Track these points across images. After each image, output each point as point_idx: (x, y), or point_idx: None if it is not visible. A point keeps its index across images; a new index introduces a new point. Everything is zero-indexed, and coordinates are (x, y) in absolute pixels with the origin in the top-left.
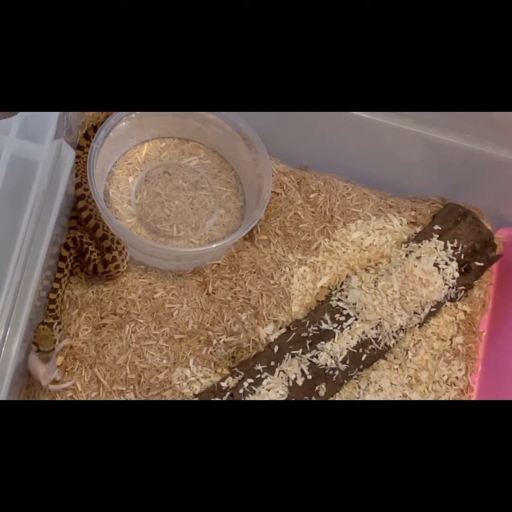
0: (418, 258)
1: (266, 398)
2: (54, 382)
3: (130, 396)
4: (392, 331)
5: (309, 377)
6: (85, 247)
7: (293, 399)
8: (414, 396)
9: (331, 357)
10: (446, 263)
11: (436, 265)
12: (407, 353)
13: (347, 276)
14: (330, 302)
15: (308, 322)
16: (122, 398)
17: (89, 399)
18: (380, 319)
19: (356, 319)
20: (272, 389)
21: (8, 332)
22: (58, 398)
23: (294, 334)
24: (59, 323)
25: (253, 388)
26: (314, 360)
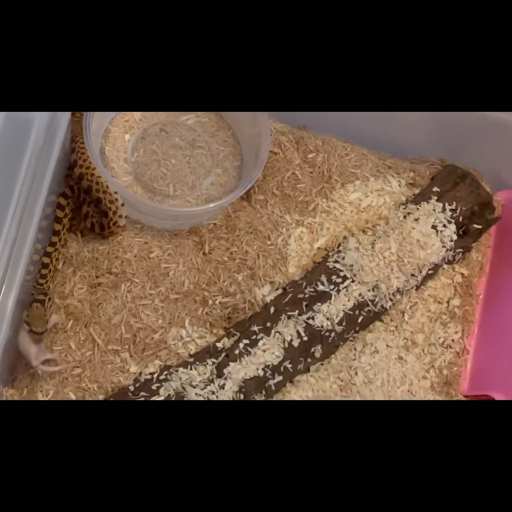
0: (416, 220)
1: (262, 360)
2: (45, 362)
3: (125, 356)
4: (389, 293)
5: (305, 338)
6: (82, 197)
7: (289, 361)
8: (410, 359)
9: (328, 319)
10: (444, 225)
11: (434, 227)
12: (403, 315)
13: (345, 238)
14: (327, 264)
15: (304, 283)
16: (117, 358)
17: (83, 358)
18: (377, 281)
19: (352, 281)
20: (268, 350)
21: (2, 292)
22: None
23: (290, 295)
24: (50, 299)
25: (249, 349)
26: (310, 321)
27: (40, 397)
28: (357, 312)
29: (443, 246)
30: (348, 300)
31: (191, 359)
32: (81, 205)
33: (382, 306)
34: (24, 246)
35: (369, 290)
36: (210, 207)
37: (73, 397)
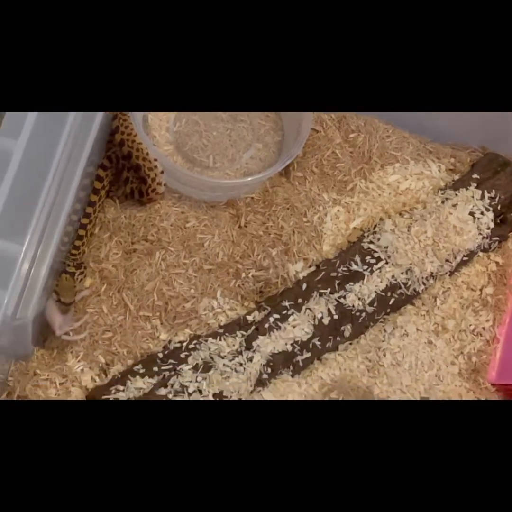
0: (454, 205)
1: (291, 335)
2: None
3: (156, 323)
4: (422, 277)
5: (336, 317)
6: (121, 163)
7: (318, 338)
8: (439, 344)
9: (359, 299)
10: (482, 213)
11: (471, 214)
12: (435, 300)
13: (381, 219)
14: (362, 244)
15: (338, 262)
16: (148, 324)
17: (114, 322)
18: (411, 264)
19: (386, 263)
20: (298, 326)
21: (36, 258)
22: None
23: (323, 273)
24: (82, 273)
25: (279, 323)
26: (342, 300)
27: (70, 358)
28: (389, 294)
29: (480, 234)
30: (381, 281)
31: (221, 330)
32: (121, 171)
33: (414, 290)
34: (60, 215)
35: (402, 273)
36: (248, 181)
37: (102, 360)
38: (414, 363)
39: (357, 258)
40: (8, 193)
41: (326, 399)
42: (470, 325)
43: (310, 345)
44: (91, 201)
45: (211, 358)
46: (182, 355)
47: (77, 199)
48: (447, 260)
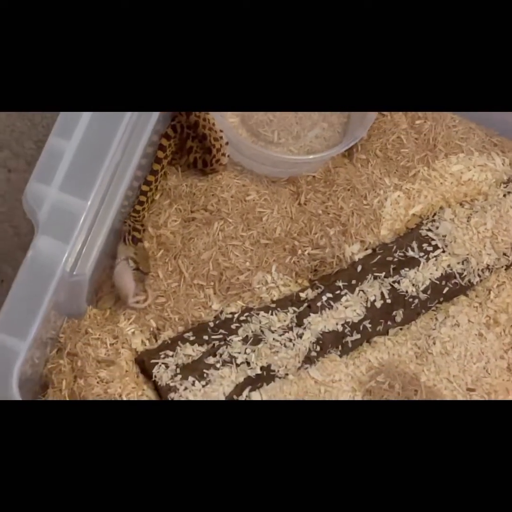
0: None
1: (342, 315)
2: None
3: (209, 292)
4: (478, 269)
5: (388, 301)
6: (186, 132)
7: (369, 320)
8: (490, 337)
9: (413, 285)
10: None
11: None
12: (489, 293)
13: (441, 208)
14: (420, 231)
15: (395, 247)
16: (201, 293)
17: (168, 288)
18: (468, 254)
19: (443, 251)
20: (350, 307)
21: (100, 212)
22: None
23: (379, 256)
24: (142, 239)
25: (331, 303)
26: (396, 285)
27: (122, 320)
28: (443, 282)
29: None
30: (436, 270)
31: (273, 305)
32: (185, 141)
33: (469, 281)
34: (122, 180)
35: (458, 263)
36: (311, 159)
37: (153, 324)
38: (463, 354)
39: (414, 244)
40: (75, 152)
41: (372, 382)
42: None
43: (361, 327)
44: (153, 169)
45: (262, 331)
46: (233, 326)
47: (139, 167)
48: (504, 254)
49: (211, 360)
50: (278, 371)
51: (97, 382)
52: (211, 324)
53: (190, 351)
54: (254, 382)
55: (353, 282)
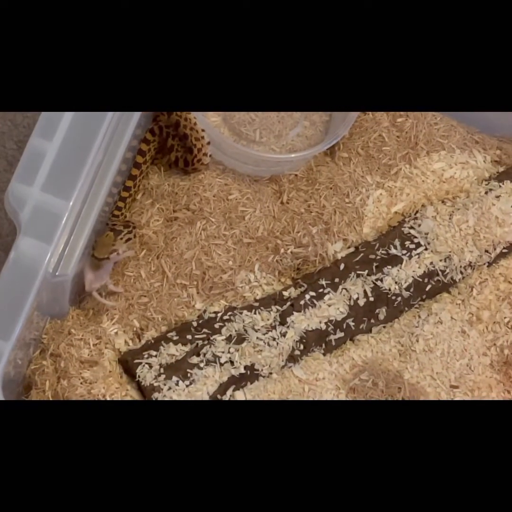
0: (498, 197)
1: (326, 314)
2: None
3: (192, 292)
4: (461, 266)
5: (371, 299)
6: (166, 132)
7: (352, 318)
8: (473, 334)
9: (396, 283)
10: None
11: None
12: (472, 290)
13: (423, 206)
14: (402, 229)
15: (377, 245)
16: (184, 292)
17: (151, 288)
18: (450, 252)
19: (426, 249)
20: (333, 305)
21: (82, 212)
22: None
23: (362, 255)
24: (130, 232)
25: (314, 301)
26: (378, 283)
27: (105, 320)
28: (426, 280)
29: None
30: (419, 267)
31: (256, 304)
32: (166, 139)
33: (452, 278)
34: (104, 180)
35: (441, 260)
36: (293, 157)
37: (137, 324)
38: (446, 351)
39: (397, 242)
40: (57, 153)
41: (356, 380)
42: (505, 317)
43: (344, 325)
44: (132, 175)
45: (245, 330)
46: (216, 326)
47: (119, 172)
48: (486, 251)
49: (194, 359)
50: (262, 370)
51: (81, 383)
52: (195, 324)
53: (174, 351)
54: (238, 381)
55: (336, 280)
